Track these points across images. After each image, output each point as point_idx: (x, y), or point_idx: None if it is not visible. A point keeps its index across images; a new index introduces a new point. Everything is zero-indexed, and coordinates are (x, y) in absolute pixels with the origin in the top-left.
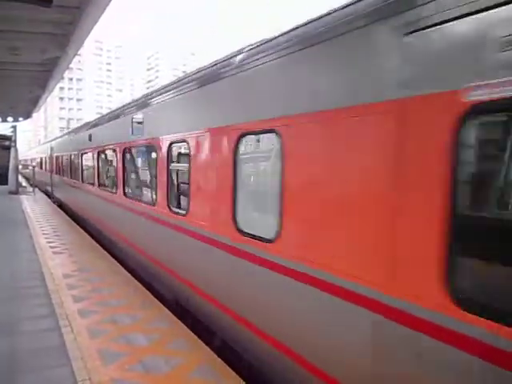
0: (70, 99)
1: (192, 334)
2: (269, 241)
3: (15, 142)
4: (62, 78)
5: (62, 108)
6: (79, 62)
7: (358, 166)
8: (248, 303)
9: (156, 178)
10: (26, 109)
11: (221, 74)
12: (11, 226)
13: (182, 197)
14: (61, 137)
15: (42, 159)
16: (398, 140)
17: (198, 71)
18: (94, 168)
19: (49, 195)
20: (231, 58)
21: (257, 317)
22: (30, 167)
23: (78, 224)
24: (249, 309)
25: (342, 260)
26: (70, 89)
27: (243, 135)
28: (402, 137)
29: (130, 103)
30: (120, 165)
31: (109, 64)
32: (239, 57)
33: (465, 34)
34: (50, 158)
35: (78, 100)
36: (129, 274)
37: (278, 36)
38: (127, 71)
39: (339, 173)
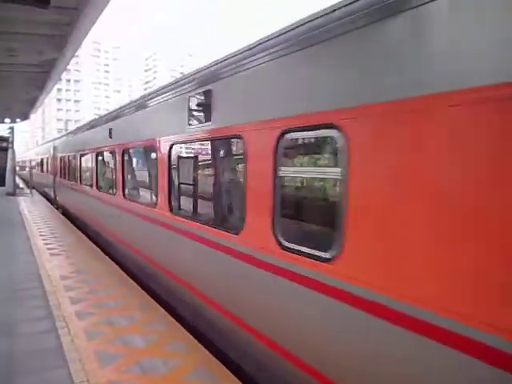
0: (68, 100)
1: (190, 335)
2: (326, 260)
3: (12, 143)
4: (60, 79)
5: (59, 109)
6: (77, 63)
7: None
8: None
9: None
10: (23, 110)
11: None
12: (8, 227)
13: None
14: (67, 134)
15: (42, 160)
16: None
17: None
18: (115, 172)
19: (51, 200)
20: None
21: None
22: (28, 168)
23: (89, 239)
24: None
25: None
26: (67, 90)
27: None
28: None
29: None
30: (165, 168)
31: (107, 65)
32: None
33: None
34: (53, 159)
35: (76, 101)
36: (126, 275)
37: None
38: (125, 72)
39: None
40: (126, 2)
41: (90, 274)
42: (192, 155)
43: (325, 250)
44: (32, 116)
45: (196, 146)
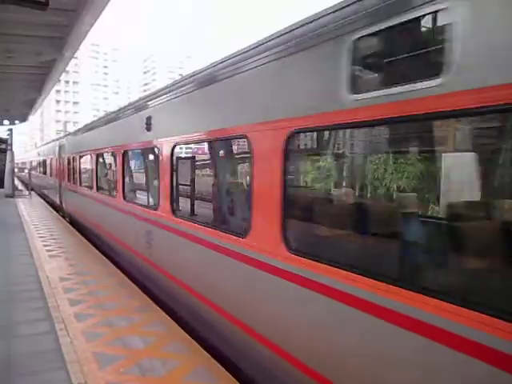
0: (67, 102)
1: (188, 337)
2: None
3: (11, 145)
4: (59, 80)
5: (58, 111)
6: (76, 64)
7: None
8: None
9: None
10: (22, 112)
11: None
12: (7, 229)
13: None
14: (78, 131)
15: (45, 162)
16: None
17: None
18: (157, 178)
19: (55, 207)
20: None
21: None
22: (26, 170)
23: (106, 256)
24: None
25: None
26: (66, 92)
27: None
28: None
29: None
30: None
31: (105, 67)
32: None
33: None
34: (59, 160)
35: (75, 103)
36: (125, 277)
37: None
38: (124, 74)
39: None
40: (124, 5)
41: (90, 276)
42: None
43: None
44: (31, 118)
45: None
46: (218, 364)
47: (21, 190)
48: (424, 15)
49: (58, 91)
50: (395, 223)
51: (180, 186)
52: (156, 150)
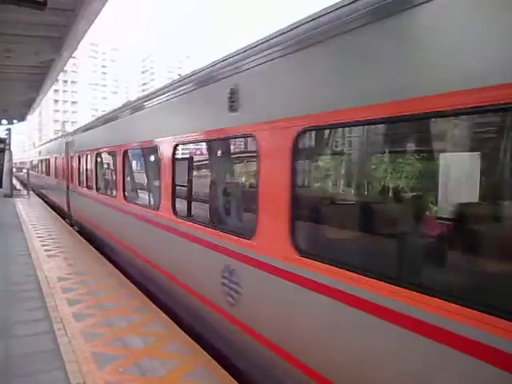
0: (65, 102)
1: (188, 337)
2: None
3: (9, 144)
4: (57, 80)
5: (56, 111)
6: (74, 64)
7: None
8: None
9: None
10: (20, 111)
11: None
12: (5, 229)
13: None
14: (95, 123)
15: (49, 162)
16: None
17: None
18: (213, 181)
19: (60, 213)
20: None
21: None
22: (24, 170)
23: (125, 276)
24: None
25: None
26: (64, 91)
27: None
28: None
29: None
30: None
31: (104, 67)
32: None
33: None
34: (67, 159)
35: (73, 103)
36: (124, 277)
37: None
38: (122, 74)
39: None
40: (123, 4)
41: (89, 276)
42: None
43: None
44: (29, 117)
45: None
46: (218, 364)
47: (19, 190)
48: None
49: (56, 91)
50: (419, 225)
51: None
52: (217, 143)
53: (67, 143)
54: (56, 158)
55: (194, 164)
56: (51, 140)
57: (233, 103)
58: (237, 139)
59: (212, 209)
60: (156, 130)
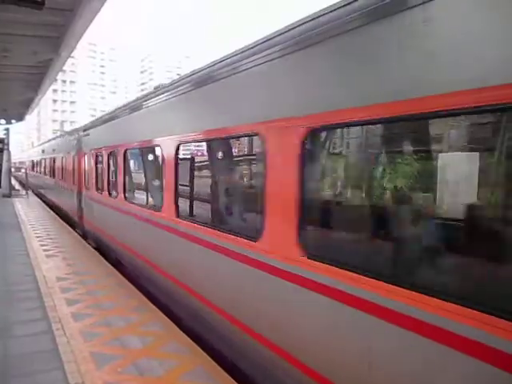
0: (64, 101)
1: (186, 337)
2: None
3: (8, 144)
4: (55, 80)
5: (55, 110)
6: (72, 64)
7: None
8: None
9: None
10: (18, 111)
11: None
12: (4, 228)
13: None
14: (119, 111)
15: (54, 162)
16: None
17: None
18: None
19: (70, 221)
20: None
21: None
22: (23, 170)
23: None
24: None
25: None
26: (63, 91)
27: None
28: None
29: None
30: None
31: (102, 66)
32: None
33: None
34: (79, 158)
35: (72, 102)
36: (123, 277)
37: None
38: (121, 74)
39: None
40: (122, 4)
41: (87, 276)
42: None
43: None
44: (27, 117)
45: None
46: (216, 364)
47: (18, 190)
48: None
49: (54, 90)
50: (442, 229)
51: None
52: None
53: (79, 139)
54: (64, 158)
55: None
56: (57, 137)
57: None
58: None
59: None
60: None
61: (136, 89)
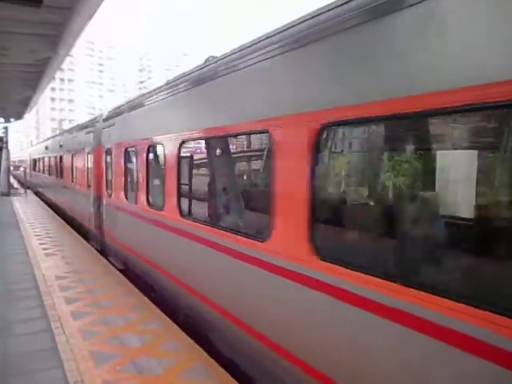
0: (62, 100)
1: (185, 334)
2: None
3: (7, 143)
4: (54, 78)
5: (53, 109)
6: (71, 62)
7: None
8: None
9: None
10: (17, 110)
11: None
12: (2, 227)
13: None
14: (158, 91)
15: (61, 160)
16: None
17: None
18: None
19: (82, 231)
20: None
21: None
22: (21, 168)
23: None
24: None
25: None
26: (61, 89)
27: None
28: None
29: None
30: None
31: (101, 65)
32: None
33: None
34: (97, 156)
35: (70, 101)
36: (122, 275)
37: None
38: (119, 72)
39: None
40: (120, 2)
41: (86, 274)
42: None
43: None
44: (26, 116)
45: None
46: (215, 361)
47: (16, 189)
48: None
49: (53, 89)
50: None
51: None
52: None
53: (98, 132)
54: (74, 155)
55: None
56: (65, 130)
57: None
58: None
59: None
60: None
61: (134, 87)
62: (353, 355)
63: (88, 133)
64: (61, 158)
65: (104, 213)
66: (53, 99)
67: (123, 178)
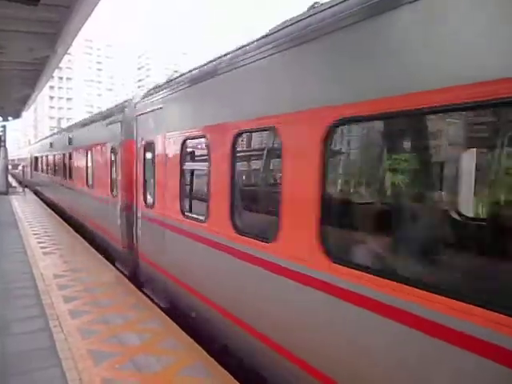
0: (60, 98)
1: (183, 333)
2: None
3: (4, 141)
4: (52, 76)
5: (51, 107)
6: (69, 61)
7: None
8: None
9: None
10: (15, 108)
11: None
12: (1, 226)
13: None
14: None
15: (70, 159)
16: None
17: None
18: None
19: (115, 257)
20: None
21: None
22: (20, 167)
23: None
24: None
25: None
26: (59, 88)
27: None
28: None
29: None
30: None
31: (99, 63)
32: None
33: None
34: (123, 153)
35: (68, 99)
36: (120, 274)
37: None
38: (118, 70)
39: None
40: (119, 1)
41: (85, 273)
42: None
43: None
44: (24, 114)
45: None
46: (213, 360)
47: (15, 187)
48: None
49: (51, 87)
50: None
51: None
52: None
53: (127, 121)
54: (90, 152)
55: None
56: (75, 124)
57: None
58: None
59: None
60: None
61: (133, 85)
62: (354, 355)
63: (110, 123)
64: (70, 155)
65: (139, 228)
66: (51, 97)
67: (178, 183)
